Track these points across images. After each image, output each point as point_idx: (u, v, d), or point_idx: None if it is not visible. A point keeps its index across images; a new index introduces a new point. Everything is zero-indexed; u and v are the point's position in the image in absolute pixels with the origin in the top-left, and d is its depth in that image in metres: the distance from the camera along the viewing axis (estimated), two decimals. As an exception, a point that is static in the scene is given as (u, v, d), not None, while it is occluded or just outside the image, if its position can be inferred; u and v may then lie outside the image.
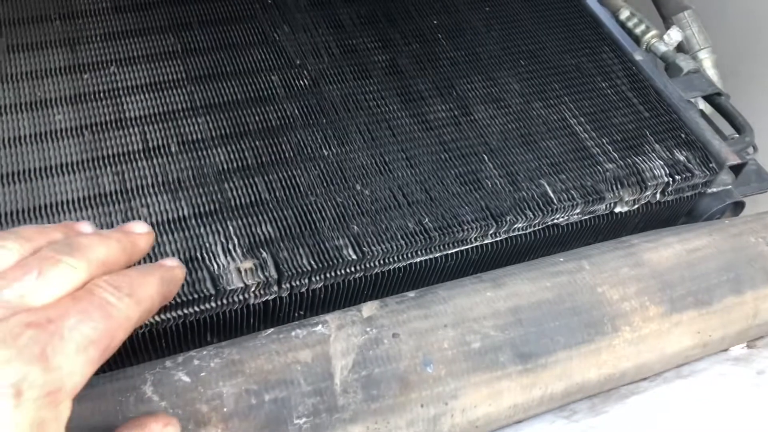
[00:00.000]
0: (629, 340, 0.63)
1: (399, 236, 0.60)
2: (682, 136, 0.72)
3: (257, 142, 0.65)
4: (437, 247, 0.62)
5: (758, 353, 0.70)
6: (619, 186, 0.67)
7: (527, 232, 0.66)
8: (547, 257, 0.66)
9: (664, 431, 0.57)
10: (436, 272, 0.66)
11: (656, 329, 0.64)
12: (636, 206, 0.69)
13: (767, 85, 1.03)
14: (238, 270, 0.55)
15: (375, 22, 0.80)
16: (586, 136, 0.71)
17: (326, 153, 0.65)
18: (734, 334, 0.68)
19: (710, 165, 0.70)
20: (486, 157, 0.67)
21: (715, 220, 0.75)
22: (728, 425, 0.55)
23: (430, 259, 0.63)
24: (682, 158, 0.70)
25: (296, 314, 0.62)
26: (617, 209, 0.69)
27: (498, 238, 0.65)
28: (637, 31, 0.88)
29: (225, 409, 0.51)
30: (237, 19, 0.78)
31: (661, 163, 0.69)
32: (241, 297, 0.56)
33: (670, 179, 0.68)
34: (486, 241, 0.64)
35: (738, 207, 0.79)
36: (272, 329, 0.57)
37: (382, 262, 0.60)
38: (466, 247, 0.63)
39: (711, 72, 0.94)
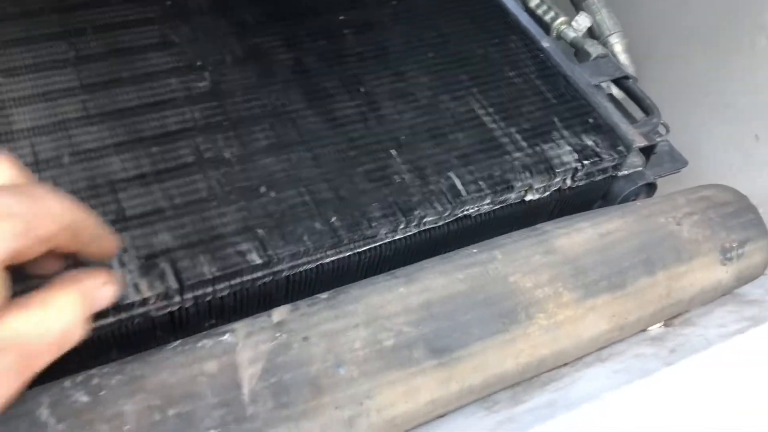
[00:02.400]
0: (545, 327, 0.64)
1: (306, 237, 0.59)
2: (590, 120, 0.74)
3: (154, 149, 0.64)
4: (347, 246, 0.62)
5: (673, 331, 0.72)
6: (527, 174, 0.68)
7: (439, 225, 0.66)
8: (461, 249, 0.67)
9: (582, 415, 0.59)
10: (350, 271, 0.66)
11: (571, 315, 0.65)
12: (547, 193, 0.71)
13: (681, 67, 1.06)
14: (135, 283, 0.54)
15: (280, 20, 0.79)
16: (495, 126, 0.72)
17: (228, 156, 0.64)
18: (650, 314, 0.71)
19: (618, 148, 0.72)
20: (394, 153, 0.68)
21: (629, 202, 0.76)
22: (641, 404, 0.56)
23: (342, 258, 0.63)
24: (590, 143, 0.72)
25: (207, 324, 0.62)
26: (528, 197, 0.70)
27: (409, 233, 0.65)
28: (546, 18, 0.90)
29: (126, 428, 0.50)
30: (134, 23, 0.76)
31: (570, 148, 0.71)
32: (140, 310, 0.55)
33: (579, 164, 0.70)
34: (397, 237, 0.64)
35: (651, 188, 0.82)
36: (178, 341, 0.56)
37: (290, 264, 0.60)
38: (377, 244, 0.63)
39: (622, 57, 0.96)
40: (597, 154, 0.71)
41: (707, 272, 0.72)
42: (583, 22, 0.89)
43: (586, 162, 0.70)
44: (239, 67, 0.74)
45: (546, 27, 0.89)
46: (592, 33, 0.97)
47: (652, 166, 0.87)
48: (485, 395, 0.65)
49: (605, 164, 0.72)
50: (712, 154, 1.01)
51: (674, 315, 0.75)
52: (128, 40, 0.75)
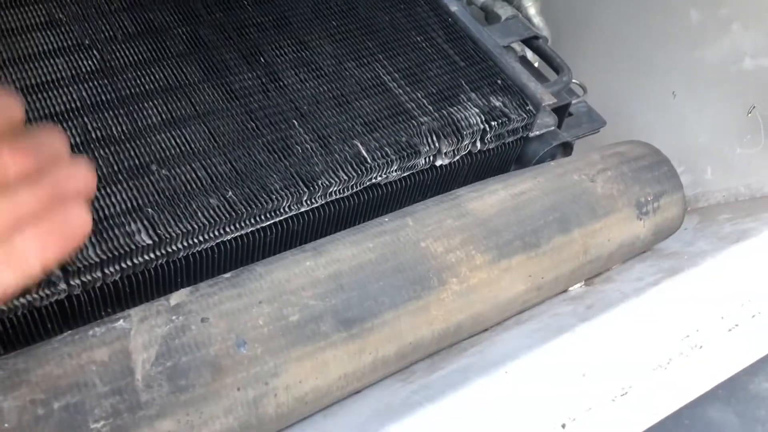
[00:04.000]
0: (458, 291, 0.63)
1: (200, 214, 0.57)
2: (498, 82, 0.73)
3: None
4: (246, 222, 0.59)
5: (593, 290, 0.72)
6: (434, 138, 0.67)
7: (346, 195, 0.64)
8: (374, 219, 0.65)
9: (498, 378, 0.57)
10: (257, 249, 0.63)
11: (485, 277, 0.64)
12: (458, 157, 0.69)
13: (599, 28, 1.06)
14: (13, 270, 0.50)
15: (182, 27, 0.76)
16: (401, 91, 0.70)
17: (117, 134, 0.61)
18: (567, 273, 0.70)
19: (527, 108, 0.71)
20: (296, 123, 0.65)
21: (544, 163, 0.75)
22: (554, 362, 0.55)
23: (245, 235, 0.60)
24: (498, 104, 0.70)
25: (102, 313, 0.58)
26: (438, 162, 0.68)
27: (315, 205, 0.63)
28: (456, -18, 0.88)
29: (6, 425, 0.47)
30: (18, 3, 0.72)
31: (477, 111, 0.69)
32: (22, 301, 0.51)
33: (487, 126, 0.69)
34: (303, 209, 0.62)
35: (567, 148, 0.81)
36: (69, 332, 0.53)
37: (185, 244, 0.57)
38: (282, 217, 0.61)
39: (536, 19, 0.96)
40: (505, 115, 0.70)
41: (624, 227, 0.72)
42: (492, -16, 0.88)
43: (493, 123, 0.69)
44: (131, 43, 0.70)
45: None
46: (509, -2, 0.96)
47: (570, 127, 0.86)
48: (403, 366, 0.63)
49: (514, 125, 0.70)
50: (632, 112, 1.01)
51: (595, 273, 0.75)
52: (11, 20, 0.70)
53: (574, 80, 0.92)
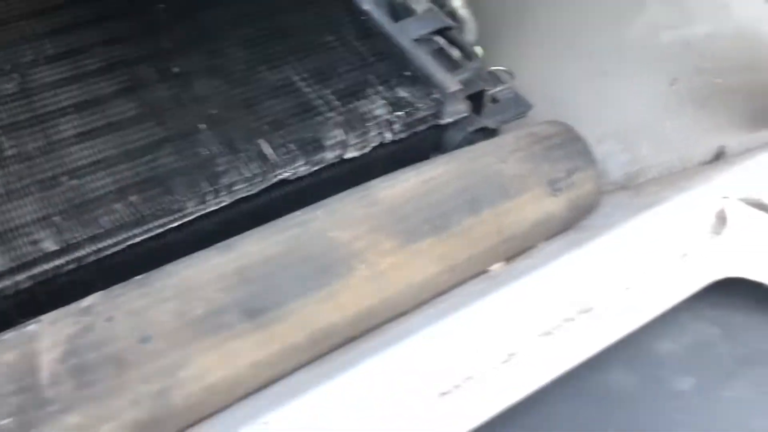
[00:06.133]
0: (368, 277, 0.65)
1: (104, 219, 0.60)
2: (407, 74, 0.76)
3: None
4: (153, 224, 0.62)
5: (512, 267, 0.74)
6: (340, 131, 0.69)
7: (256, 192, 0.67)
8: (286, 215, 0.68)
9: (387, 356, 0.59)
10: (174, 252, 0.66)
11: (395, 261, 0.66)
12: (368, 149, 0.72)
13: (531, 16, 1.08)
14: None
15: (99, 19, 0.79)
16: (309, 90, 0.73)
17: (31, 150, 0.65)
18: (482, 252, 0.72)
19: (433, 96, 0.74)
20: (203, 127, 0.68)
21: (459, 149, 0.78)
22: (446, 332, 0.57)
23: (155, 237, 0.63)
24: (404, 94, 0.73)
25: (19, 320, 0.61)
26: (348, 155, 0.71)
27: (223, 203, 0.66)
28: (374, -20, 0.91)
29: None
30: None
31: (383, 102, 0.72)
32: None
33: (392, 116, 0.71)
34: (210, 209, 0.65)
35: (489, 134, 0.83)
36: (-18, 340, 0.56)
37: (93, 248, 0.60)
38: (190, 218, 0.64)
39: (462, 11, 0.98)
40: (410, 104, 0.73)
41: (536, 205, 0.74)
42: (410, -20, 0.90)
43: (399, 113, 0.72)
44: (51, 65, 0.74)
45: (376, -11, 0.90)
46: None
47: (495, 114, 0.88)
48: (320, 352, 0.65)
49: (422, 113, 0.73)
50: (565, 95, 1.02)
51: (515, 252, 0.76)
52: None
53: (501, 67, 0.95)
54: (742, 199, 0.67)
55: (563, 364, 0.55)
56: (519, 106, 0.90)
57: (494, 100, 0.90)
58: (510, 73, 0.93)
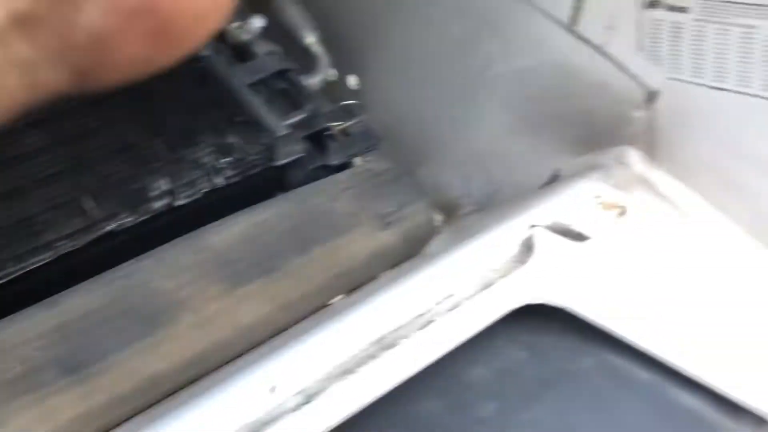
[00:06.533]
0: (193, 323, 0.67)
1: None
2: (238, 119, 0.78)
3: None
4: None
5: (345, 302, 0.76)
6: (166, 180, 0.71)
7: (80, 246, 0.68)
8: (116, 267, 0.69)
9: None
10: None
11: (222, 306, 0.69)
12: (199, 195, 0.74)
13: (386, 49, 1.12)
14: None
15: None
16: (138, 139, 0.75)
17: None
18: (316, 289, 0.75)
19: (263, 141, 0.76)
20: (26, 185, 0.69)
21: (295, 189, 0.80)
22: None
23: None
24: (233, 140, 0.76)
25: None
26: (178, 203, 0.73)
27: (46, 260, 0.67)
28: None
29: None
30: None
31: (211, 149, 0.75)
32: None
33: (219, 162, 0.73)
34: (33, 266, 0.66)
35: (334, 169, 0.86)
36: None
37: None
38: (8, 277, 0.65)
39: (315, 48, 1.02)
40: (239, 149, 0.75)
41: (368, 240, 0.78)
42: (255, 23, 0.93)
43: (227, 159, 0.74)
44: None
45: (221, 34, 0.93)
46: (285, 31, 1.02)
47: (344, 149, 0.91)
48: (147, 401, 0.67)
49: (252, 157, 0.76)
50: (422, 120, 1.06)
51: (354, 285, 0.80)
52: None
53: (351, 101, 0.98)
54: (550, 226, 0.72)
55: (369, 396, 0.58)
56: (368, 140, 0.94)
57: (345, 133, 0.93)
58: (361, 106, 0.97)
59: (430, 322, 0.63)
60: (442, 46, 1.02)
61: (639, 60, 0.76)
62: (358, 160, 0.89)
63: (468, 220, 0.96)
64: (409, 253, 0.83)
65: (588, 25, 0.79)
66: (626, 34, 0.76)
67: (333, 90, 1.05)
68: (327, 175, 0.87)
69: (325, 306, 0.78)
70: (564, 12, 0.81)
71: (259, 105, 0.81)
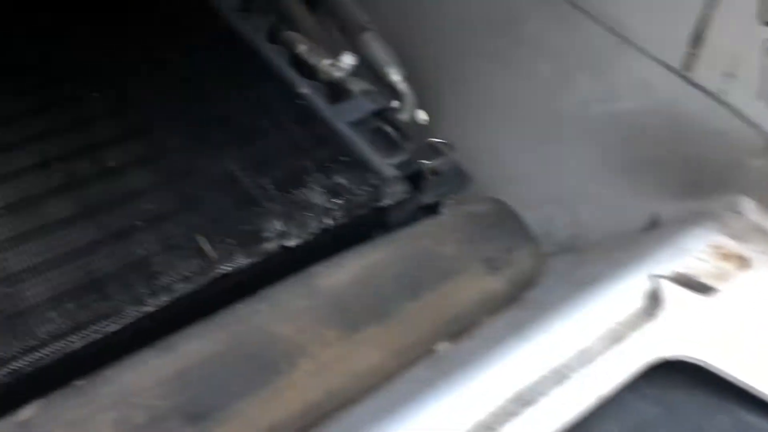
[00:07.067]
0: (310, 371, 0.65)
1: (38, 329, 0.59)
2: (344, 159, 0.77)
3: None
4: (91, 329, 0.62)
5: (456, 348, 0.75)
6: (280, 223, 0.70)
7: (198, 289, 0.67)
8: (228, 308, 0.68)
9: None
10: (112, 351, 0.65)
11: (338, 353, 0.67)
12: (309, 237, 0.73)
13: (468, 88, 1.11)
14: None
15: (32, 114, 0.79)
16: (247, 180, 0.74)
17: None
18: (425, 335, 0.73)
19: (370, 181, 0.75)
20: (140, 224, 0.68)
21: (400, 230, 0.79)
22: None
23: (95, 341, 0.63)
24: (342, 181, 0.75)
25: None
26: (288, 243, 0.72)
27: (164, 303, 0.65)
28: (312, 62, 0.92)
29: None
30: None
31: (322, 190, 0.74)
32: None
33: (331, 204, 0.72)
34: (148, 309, 0.65)
35: (431, 209, 0.85)
36: None
37: (28, 360, 0.59)
38: (128, 321, 0.64)
39: (401, 86, 1.00)
40: (349, 191, 0.74)
41: (476, 285, 0.76)
42: (346, 60, 0.92)
43: (338, 201, 0.73)
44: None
45: (313, 70, 0.92)
46: (369, 68, 1.01)
47: (434, 187, 0.90)
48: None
49: (360, 199, 0.75)
50: (504, 161, 1.05)
51: (460, 330, 0.78)
52: None
53: (439, 140, 0.97)
54: (673, 277, 0.70)
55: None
56: (459, 180, 0.92)
57: (434, 172, 0.92)
58: (449, 145, 0.95)
59: (565, 377, 0.61)
60: (529, 86, 1.02)
61: (759, 107, 0.75)
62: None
63: (560, 263, 0.94)
64: (511, 297, 0.81)
65: (703, 72, 0.78)
66: (747, 82, 0.75)
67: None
68: (421, 214, 0.85)
69: (430, 352, 0.76)
70: (676, 57, 0.80)
71: (363, 145, 0.80)
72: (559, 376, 0.61)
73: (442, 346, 0.77)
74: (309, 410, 0.66)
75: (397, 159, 0.80)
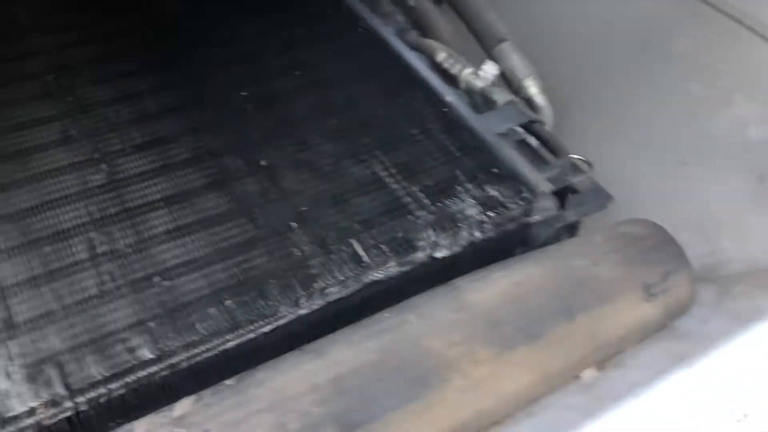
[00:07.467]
0: (461, 388, 0.63)
1: (199, 325, 0.59)
2: (494, 171, 0.75)
3: (47, 249, 0.63)
4: (246, 328, 0.61)
5: (604, 376, 0.71)
6: (431, 232, 0.69)
7: (347, 294, 0.66)
8: (375, 315, 0.67)
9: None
10: (259, 352, 0.65)
11: (489, 372, 0.65)
12: (458, 248, 0.70)
13: (606, 104, 1.07)
14: (19, 393, 0.53)
15: (182, 108, 0.80)
16: (398, 186, 0.72)
17: (122, 247, 0.65)
18: (576, 360, 0.70)
19: (523, 195, 0.73)
20: (294, 225, 0.68)
21: (547, 247, 0.76)
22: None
23: (247, 341, 0.62)
24: (494, 193, 0.72)
25: (112, 425, 0.60)
26: (438, 254, 0.70)
27: (315, 307, 0.64)
28: (454, 71, 0.91)
29: None
30: (33, 122, 0.77)
31: (473, 201, 0.71)
32: (29, 421, 0.54)
33: (484, 216, 0.70)
34: (302, 312, 0.64)
35: (573, 228, 0.82)
36: (75, 448, 0.55)
37: (186, 355, 0.59)
38: (281, 322, 0.63)
39: (539, 99, 0.98)
40: (502, 204, 0.72)
41: (632, 311, 0.72)
42: (490, 70, 0.91)
43: (491, 213, 0.71)
44: (138, 155, 0.74)
45: (454, 79, 0.90)
46: (506, 79, 0.99)
47: (576, 205, 0.87)
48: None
49: (512, 213, 0.72)
50: (641, 185, 1.01)
51: (607, 357, 0.74)
52: (27, 140, 0.75)
53: (579, 156, 0.94)
54: None
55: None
56: (600, 198, 0.89)
57: (574, 190, 0.88)
58: (588, 163, 0.92)
59: (745, 416, 0.57)
60: (674, 106, 0.97)
61: None
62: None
63: (703, 292, 0.89)
64: (661, 326, 0.77)
65: None
66: None
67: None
68: (566, 233, 0.82)
69: (576, 378, 0.73)
70: None
71: (513, 156, 0.77)
72: (738, 415, 0.57)
73: (589, 373, 0.74)
74: (457, 429, 0.64)
75: (548, 173, 0.77)
